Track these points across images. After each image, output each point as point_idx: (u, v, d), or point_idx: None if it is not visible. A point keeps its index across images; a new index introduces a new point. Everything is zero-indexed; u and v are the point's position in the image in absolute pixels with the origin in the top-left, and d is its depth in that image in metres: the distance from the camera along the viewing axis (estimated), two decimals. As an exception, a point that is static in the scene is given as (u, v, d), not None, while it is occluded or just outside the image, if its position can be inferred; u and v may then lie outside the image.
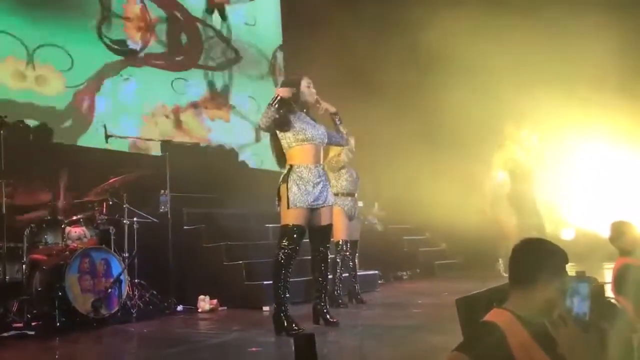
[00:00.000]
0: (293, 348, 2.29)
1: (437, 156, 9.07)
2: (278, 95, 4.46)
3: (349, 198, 6.19)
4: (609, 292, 3.37)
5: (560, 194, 8.31)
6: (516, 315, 1.96)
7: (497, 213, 8.79)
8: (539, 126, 7.82)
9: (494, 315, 1.99)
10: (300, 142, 4.55)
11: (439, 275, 9.53)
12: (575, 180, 9.13)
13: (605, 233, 4.13)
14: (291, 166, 4.55)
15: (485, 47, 7.90)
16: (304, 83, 4.75)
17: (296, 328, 4.30)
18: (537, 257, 2.03)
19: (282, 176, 4.58)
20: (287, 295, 4.44)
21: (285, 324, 4.33)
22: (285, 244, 4.43)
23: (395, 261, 9.37)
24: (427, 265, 9.87)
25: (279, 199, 4.54)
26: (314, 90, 4.78)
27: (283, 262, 4.41)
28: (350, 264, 6.30)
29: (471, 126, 8.85)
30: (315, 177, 4.51)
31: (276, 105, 4.43)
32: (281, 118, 4.50)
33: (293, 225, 4.43)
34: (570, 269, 3.69)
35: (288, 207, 4.43)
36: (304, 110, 4.75)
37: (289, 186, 4.46)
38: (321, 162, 4.69)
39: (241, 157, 10.03)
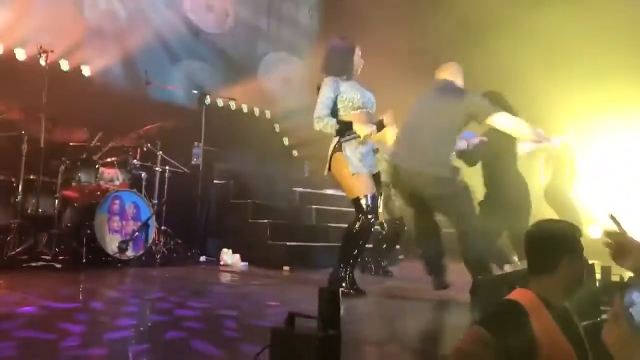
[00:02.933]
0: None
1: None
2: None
3: None
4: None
5: (589, 189, 8.19)
6: (540, 297, 1.93)
7: None
8: (578, 118, 7.67)
9: (518, 294, 1.97)
10: (353, 110, 4.49)
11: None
12: (606, 176, 9.01)
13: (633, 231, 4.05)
14: (345, 131, 4.45)
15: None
16: (357, 52, 4.67)
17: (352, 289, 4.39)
18: (554, 242, 1.99)
19: (334, 143, 4.49)
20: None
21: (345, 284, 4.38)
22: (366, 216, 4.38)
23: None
24: (451, 246, 9.83)
25: (330, 167, 4.50)
26: (362, 60, 4.70)
27: (359, 233, 4.40)
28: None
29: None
30: (369, 144, 4.48)
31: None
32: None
33: (366, 195, 4.37)
34: (597, 266, 3.67)
35: (352, 174, 4.38)
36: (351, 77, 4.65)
37: (348, 154, 4.41)
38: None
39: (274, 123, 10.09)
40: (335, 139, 4.49)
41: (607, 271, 3.90)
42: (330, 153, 4.51)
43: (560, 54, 8.32)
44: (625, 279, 3.81)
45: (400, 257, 8.26)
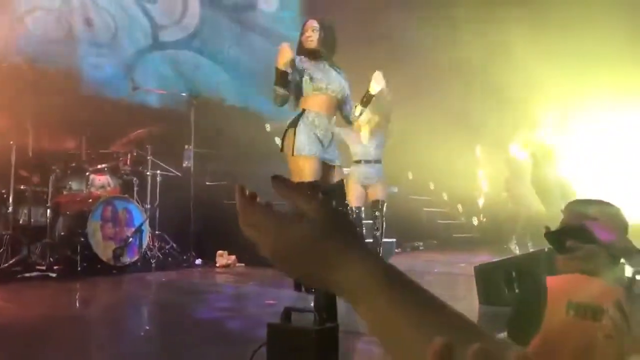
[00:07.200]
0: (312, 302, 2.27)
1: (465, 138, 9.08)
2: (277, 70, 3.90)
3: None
4: None
5: (577, 176, 8.17)
6: None
7: (514, 194, 8.69)
8: (563, 104, 7.62)
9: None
10: (315, 91, 4.00)
11: (455, 248, 9.51)
12: (595, 162, 8.99)
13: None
14: (304, 110, 3.99)
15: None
16: (305, 28, 4.11)
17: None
18: None
19: (290, 120, 4.01)
20: None
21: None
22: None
23: (412, 231, 9.37)
24: (444, 237, 9.87)
25: (282, 145, 4.02)
26: (311, 36, 4.06)
27: None
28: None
29: (497, 106, 8.78)
30: (326, 129, 3.99)
31: (280, 82, 3.91)
32: (294, 91, 3.99)
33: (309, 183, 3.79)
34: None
35: (293, 154, 3.88)
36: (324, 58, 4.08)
37: (297, 130, 3.91)
38: (333, 115, 4.15)
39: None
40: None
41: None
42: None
43: (551, 36, 8.31)
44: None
45: (397, 250, 8.27)
